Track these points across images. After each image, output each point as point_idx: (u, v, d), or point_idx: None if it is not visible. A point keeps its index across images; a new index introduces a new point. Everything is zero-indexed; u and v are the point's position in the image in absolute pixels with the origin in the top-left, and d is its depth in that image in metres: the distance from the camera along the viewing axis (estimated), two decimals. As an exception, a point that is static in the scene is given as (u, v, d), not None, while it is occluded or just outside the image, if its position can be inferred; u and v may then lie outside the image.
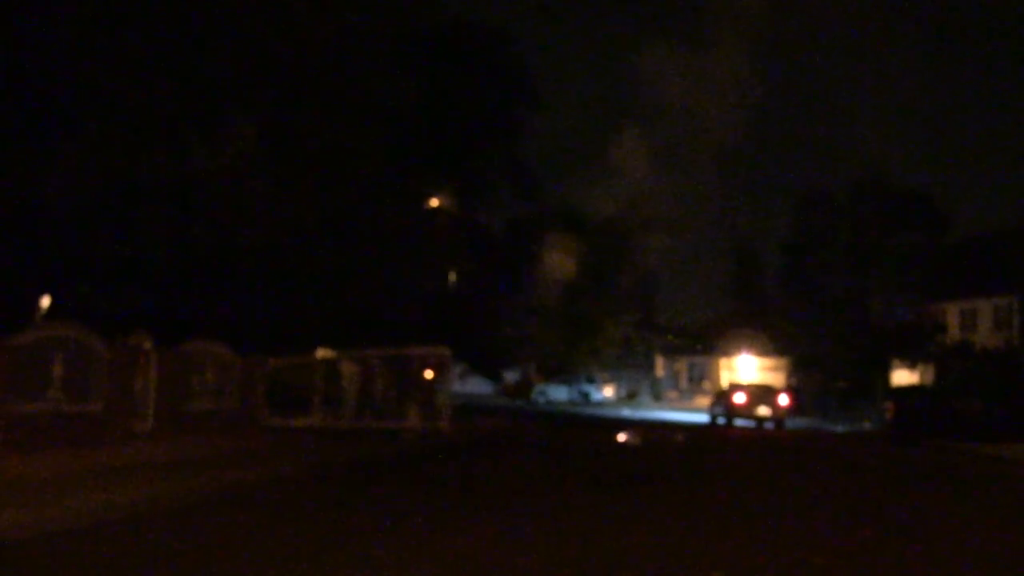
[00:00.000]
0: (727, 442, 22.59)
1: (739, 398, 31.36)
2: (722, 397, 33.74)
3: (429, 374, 20.53)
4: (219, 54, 15.76)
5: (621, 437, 20.82)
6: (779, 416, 31.09)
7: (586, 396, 53.04)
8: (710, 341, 60.42)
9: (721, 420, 32.66)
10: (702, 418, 35.85)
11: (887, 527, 8.82)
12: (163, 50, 15.17)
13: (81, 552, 6.76)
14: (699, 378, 61.53)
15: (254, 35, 16.03)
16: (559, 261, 51.58)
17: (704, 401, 47.41)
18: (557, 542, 7.40)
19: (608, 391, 54.87)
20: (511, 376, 61.31)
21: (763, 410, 30.95)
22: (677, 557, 6.88)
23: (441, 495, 10.57)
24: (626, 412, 42.64)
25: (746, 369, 56.33)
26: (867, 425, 30.10)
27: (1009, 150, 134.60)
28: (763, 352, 55.06)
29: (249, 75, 16.10)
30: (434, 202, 27.54)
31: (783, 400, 31.54)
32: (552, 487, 11.58)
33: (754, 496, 11.22)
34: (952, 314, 43.94)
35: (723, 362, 58.50)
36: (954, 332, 42.19)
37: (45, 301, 17.38)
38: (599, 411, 44.00)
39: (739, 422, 31.81)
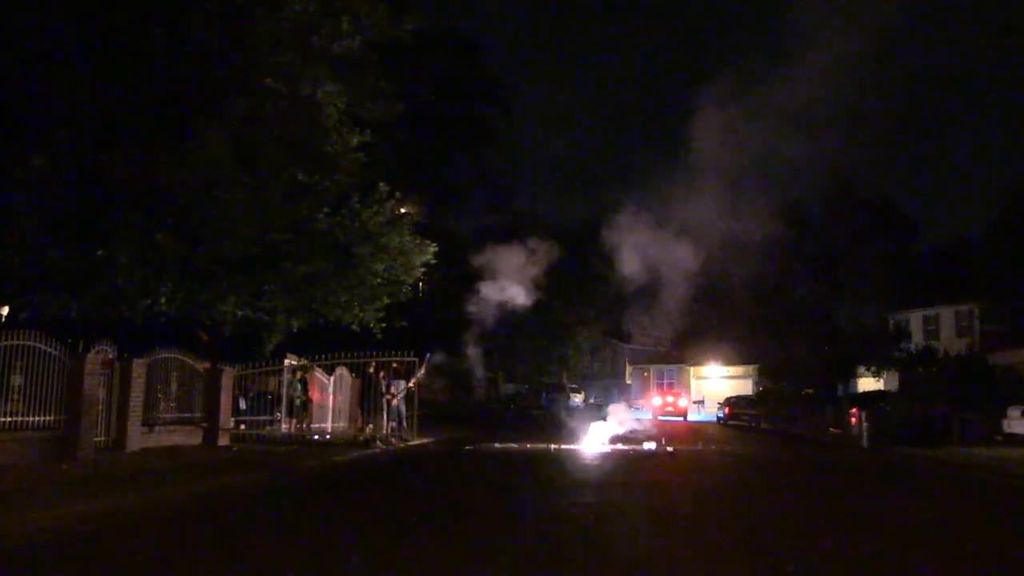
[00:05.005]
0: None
1: (656, 402, 46.86)
2: (649, 401, 49.70)
3: (397, 382, 20.42)
4: (189, 62, 15.56)
5: (589, 450, 20.83)
6: (682, 413, 46.40)
7: (556, 404, 52.96)
8: (679, 350, 60.76)
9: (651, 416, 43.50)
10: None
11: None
12: (131, 57, 14.93)
13: (39, 567, 6.61)
14: (668, 386, 61.79)
15: (224, 43, 15.85)
16: (529, 269, 51.59)
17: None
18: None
19: (578, 399, 54.82)
20: (480, 384, 60.99)
21: (669, 409, 45.90)
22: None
23: (404, 509, 10.52)
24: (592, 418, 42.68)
25: (714, 377, 56.80)
26: (832, 431, 30.33)
27: (974, 161, 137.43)
28: (730, 360, 55.51)
29: (219, 83, 15.90)
30: (403, 210, 27.40)
31: (683, 403, 47.74)
32: (510, 501, 11.57)
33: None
34: (916, 321, 44.57)
35: (692, 371, 58.83)
36: (918, 339, 42.72)
37: (3, 310, 17.02)
38: (566, 418, 43.94)
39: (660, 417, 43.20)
